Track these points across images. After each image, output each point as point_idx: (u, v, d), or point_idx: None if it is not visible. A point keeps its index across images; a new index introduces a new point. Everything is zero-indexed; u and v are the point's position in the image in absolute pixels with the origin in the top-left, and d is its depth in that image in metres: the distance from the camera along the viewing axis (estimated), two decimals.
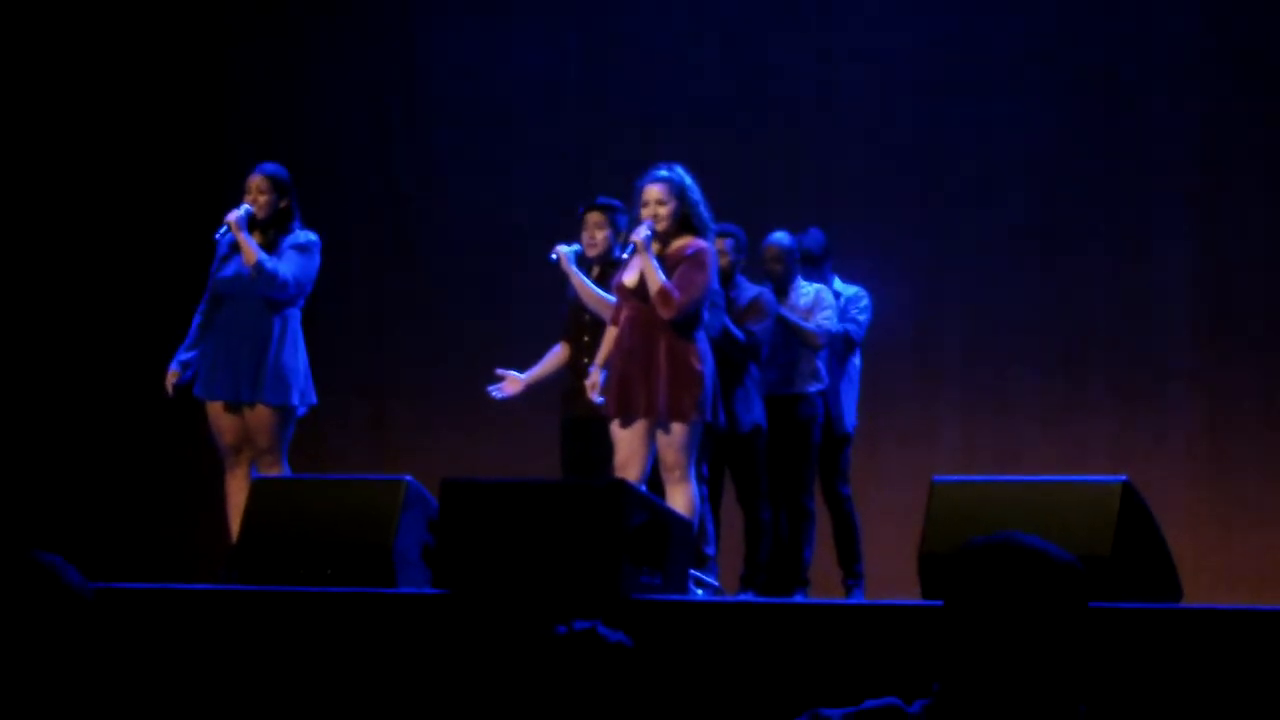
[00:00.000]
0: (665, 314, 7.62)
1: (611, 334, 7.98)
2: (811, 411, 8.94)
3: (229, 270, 8.25)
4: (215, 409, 8.26)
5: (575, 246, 8.34)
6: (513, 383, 8.55)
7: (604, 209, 8.51)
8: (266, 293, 8.16)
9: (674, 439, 7.64)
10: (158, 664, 6.04)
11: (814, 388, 8.96)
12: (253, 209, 8.28)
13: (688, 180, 7.80)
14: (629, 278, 7.78)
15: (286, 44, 11.46)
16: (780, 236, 9.10)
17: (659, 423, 7.66)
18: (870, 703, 2.87)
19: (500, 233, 11.02)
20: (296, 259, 8.24)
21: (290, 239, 8.29)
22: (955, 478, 6.56)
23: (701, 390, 7.63)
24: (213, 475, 8.53)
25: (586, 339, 8.45)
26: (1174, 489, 9.62)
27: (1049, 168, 10.44)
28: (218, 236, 8.26)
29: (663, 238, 7.76)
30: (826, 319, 8.97)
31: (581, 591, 5.93)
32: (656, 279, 7.63)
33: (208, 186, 11.28)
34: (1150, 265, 10.30)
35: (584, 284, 8.25)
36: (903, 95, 10.61)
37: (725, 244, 8.74)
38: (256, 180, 8.35)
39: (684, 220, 7.76)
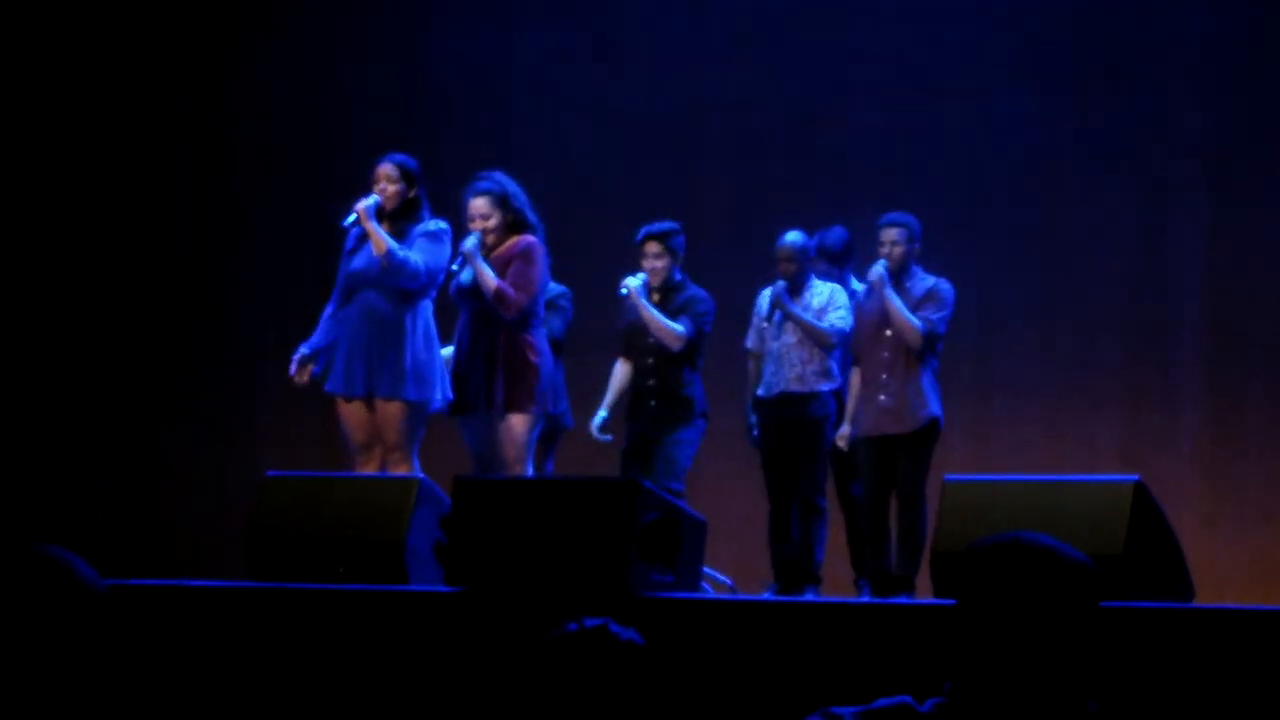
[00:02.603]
0: (505, 313, 7.96)
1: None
2: (824, 410, 8.95)
3: (358, 262, 8.04)
4: (348, 405, 8.05)
5: (642, 277, 8.75)
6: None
7: (660, 236, 8.82)
8: (397, 282, 7.95)
9: (513, 431, 7.93)
10: (170, 661, 6.05)
11: (826, 386, 8.97)
12: (381, 199, 8.07)
13: (510, 186, 8.17)
14: (466, 277, 8.07)
15: (289, 45, 11.44)
16: (794, 237, 9.09)
17: (498, 416, 7.93)
18: (882, 701, 2.87)
19: None
20: (427, 246, 8.01)
21: (420, 227, 8.06)
22: (967, 477, 6.56)
23: (538, 382, 7.93)
24: (222, 471, 8.52)
25: (650, 361, 8.81)
26: (1182, 485, 9.62)
27: (1057, 165, 10.44)
28: (345, 225, 8.07)
29: (493, 243, 8.10)
30: (840, 319, 8.97)
31: (593, 589, 5.93)
32: (490, 281, 7.97)
33: (209, 186, 11.29)
34: (1159, 262, 10.29)
35: (652, 315, 8.70)
36: (905, 95, 10.60)
37: (898, 234, 8.86)
38: (385, 169, 8.12)
39: (512, 224, 8.14)
